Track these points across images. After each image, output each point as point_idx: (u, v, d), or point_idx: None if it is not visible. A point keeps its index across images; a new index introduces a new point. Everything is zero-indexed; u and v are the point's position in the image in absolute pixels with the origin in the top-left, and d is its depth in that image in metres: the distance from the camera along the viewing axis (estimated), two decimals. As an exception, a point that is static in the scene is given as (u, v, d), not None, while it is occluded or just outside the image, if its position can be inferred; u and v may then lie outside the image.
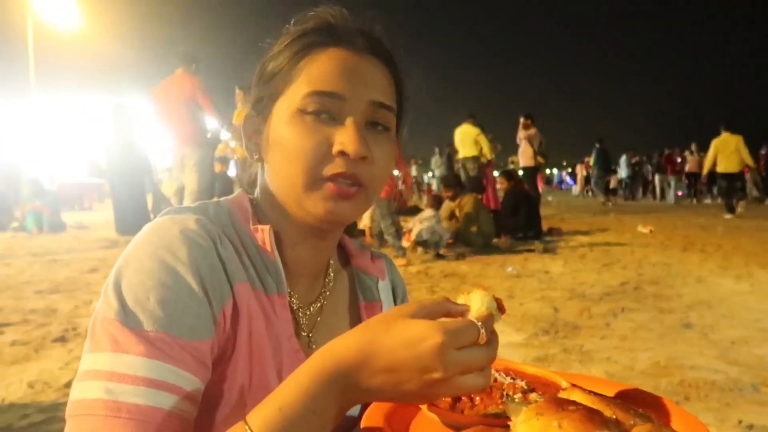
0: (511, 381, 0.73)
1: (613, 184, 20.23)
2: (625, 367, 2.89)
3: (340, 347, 0.59)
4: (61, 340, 3.39)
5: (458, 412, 0.67)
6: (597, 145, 17.65)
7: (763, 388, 2.61)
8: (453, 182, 8.22)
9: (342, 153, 0.74)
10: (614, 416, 0.54)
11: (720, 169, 11.62)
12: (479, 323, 0.57)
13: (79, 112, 21.61)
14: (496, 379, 0.72)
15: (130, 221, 8.38)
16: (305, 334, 0.84)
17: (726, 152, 11.44)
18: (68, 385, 2.67)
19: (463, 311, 0.61)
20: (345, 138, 0.74)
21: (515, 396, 0.69)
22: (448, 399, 0.68)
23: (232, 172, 9.94)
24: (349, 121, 0.75)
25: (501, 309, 0.63)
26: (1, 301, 4.44)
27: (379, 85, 0.78)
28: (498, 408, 0.66)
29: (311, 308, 0.86)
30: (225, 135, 7.75)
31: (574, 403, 0.54)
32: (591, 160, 18.77)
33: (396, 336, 0.56)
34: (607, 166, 17.93)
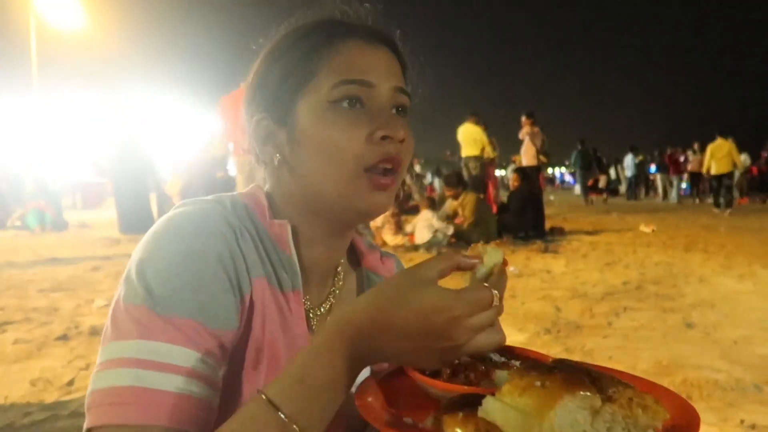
0: (505, 360, 0.73)
1: (602, 183, 20.41)
2: (628, 366, 2.88)
3: (356, 314, 0.60)
4: (64, 338, 3.40)
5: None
6: (579, 147, 17.87)
7: (765, 388, 2.60)
8: (455, 181, 8.22)
9: (385, 137, 0.74)
10: (597, 383, 0.54)
11: (713, 171, 13.17)
12: (496, 295, 0.59)
13: (81, 111, 21.66)
14: (491, 359, 0.72)
15: (133, 220, 8.39)
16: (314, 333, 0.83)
17: (719, 155, 12.96)
18: (70, 383, 2.68)
19: (474, 264, 0.65)
20: (385, 123, 0.74)
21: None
22: (447, 370, 0.69)
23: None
24: (384, 107, 0.76)
25: (505, 263, 0.67)
26: (4, 300, 4.45)
27: (397, 72, 0.80)
28: (491, 383, 0.67)
29: (321, 309, 0.86)
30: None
31: (557, 368, 0.55)
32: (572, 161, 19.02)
33: (410, 307, 0.57)
34: (587, 166, 18.13)
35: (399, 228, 7.76)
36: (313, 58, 0.76)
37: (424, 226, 7.12)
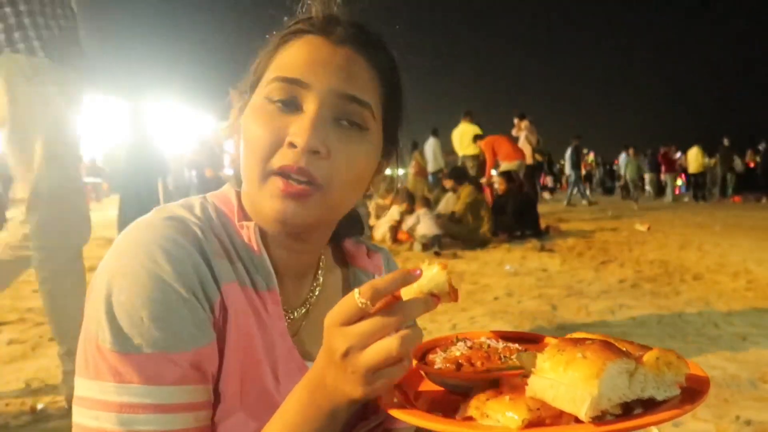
0: (505, 345, 0.73)
1: (549, 183, 21.65)
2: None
3: (316, 361, 0.64)
4: (58, 338, 3.38)
5: None
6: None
7: (760, 384, 2.61)
8: (459, 174, 8.29)
9: (291, 144, 0.69)
10: (624, 348, 0.57)
11: (690, 170, 18.45)
12: (357, 296, 0.58)
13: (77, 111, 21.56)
14: (489, 346, 0.72)
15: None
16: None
17: (693, 157, 18.00)
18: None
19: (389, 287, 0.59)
20: (298, 128, 0.69)
21: (512, 356, 0.69)
22: (452, 366, 0.68)
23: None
24: (307, 110, 0.70)
25: (452, 295, 0.61)
26: (-2, 300, 4.42)
27: (354, 77, 0.73)
28: (498, 367, 0.67)
29: (296, 312, 0.83)
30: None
31: (589, 339, 0.58)
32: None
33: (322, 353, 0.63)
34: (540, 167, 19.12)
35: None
36: (271, 56, 0.76)
37: (430, 224, 7.04)
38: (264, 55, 0.77)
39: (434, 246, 6.86)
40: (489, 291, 4.72)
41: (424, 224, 7.03)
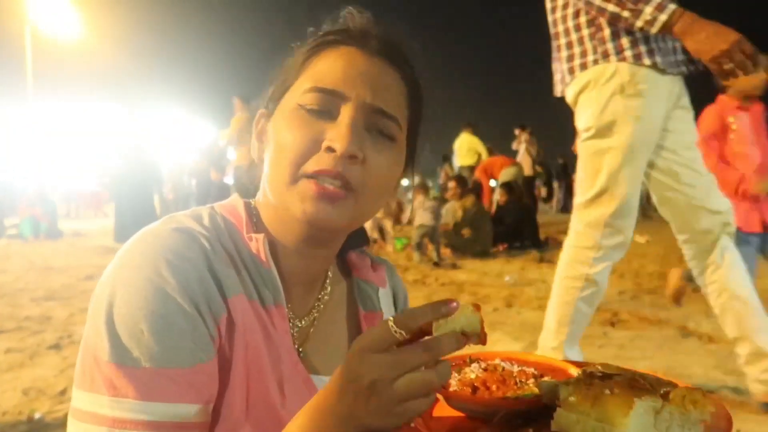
0: (520, 369, 0.72)
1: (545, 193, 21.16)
2: (623, 376, 2.87)
3: (314, 398, 0.61)
4: (56, 347, 3.37)
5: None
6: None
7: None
8: (462, 181, 8.32)
9: (329, 149, 0.69)
10: (649, 384, 0.57)
11: None
12: (392, 324, 0.56)
13: (77, 120, 21.70)
14: (504, 368, 0.72)
15: (133, 230, 8.35)
16: (296, 346, 0.80)
17: None
18: (63, 392, 2.66)
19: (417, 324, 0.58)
20: (335, 134, 0.69)
21: (528, 381, 0.69)
22: (468, 389, 0.68)
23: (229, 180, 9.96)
24: (344, 118, 0.71)
25: (483, 338, 0.60)
26: (-4, 308, 4.41)
27: (387, 91, 0.74)
28: (515, 393, 0.66)
29: (303, 320, 0.82)
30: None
31: (615, 373, 0.58)
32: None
33: (340, 377, 0.58)
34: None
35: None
36: (304, 61, 0.76)
37: (425, 214, 7.05)
38: (294, 64, 0.77)
39: (432, 240, 6.88)
40: (488, 302, 4.71)
41: (420, 215, 7.01)
